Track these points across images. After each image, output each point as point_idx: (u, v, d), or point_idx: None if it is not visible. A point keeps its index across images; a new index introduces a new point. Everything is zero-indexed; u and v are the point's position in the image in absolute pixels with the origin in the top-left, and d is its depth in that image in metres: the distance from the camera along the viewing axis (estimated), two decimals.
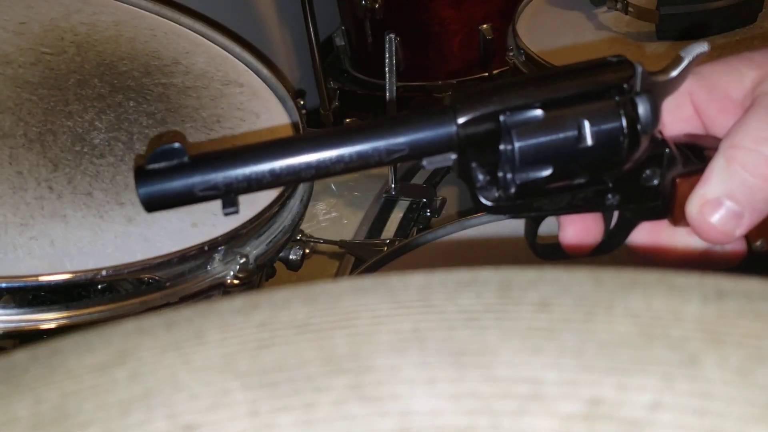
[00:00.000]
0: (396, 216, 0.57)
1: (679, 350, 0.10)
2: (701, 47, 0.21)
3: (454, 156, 0.20)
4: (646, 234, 0.23)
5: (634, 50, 0.54)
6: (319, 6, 0.73)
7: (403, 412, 0.09)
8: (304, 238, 0.43)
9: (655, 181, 0.22)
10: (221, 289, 0.34)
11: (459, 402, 0.09)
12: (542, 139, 0.20)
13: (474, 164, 0.21)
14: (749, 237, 0.22)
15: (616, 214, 0.23)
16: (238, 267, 0.34)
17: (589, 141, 0.20)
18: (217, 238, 0.33)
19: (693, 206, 0.21)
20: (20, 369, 0.11)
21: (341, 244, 0.52)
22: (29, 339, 0.30)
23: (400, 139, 0.20)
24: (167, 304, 0.31)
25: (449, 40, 0.77)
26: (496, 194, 0.21)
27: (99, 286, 0.31)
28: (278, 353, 0.10)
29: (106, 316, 0.30)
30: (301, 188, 0.39)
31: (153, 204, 0.20)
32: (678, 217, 0.22)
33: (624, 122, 0.20)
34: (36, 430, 0.10)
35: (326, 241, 0.51)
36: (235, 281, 0.34)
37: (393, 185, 0.58)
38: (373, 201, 0.59)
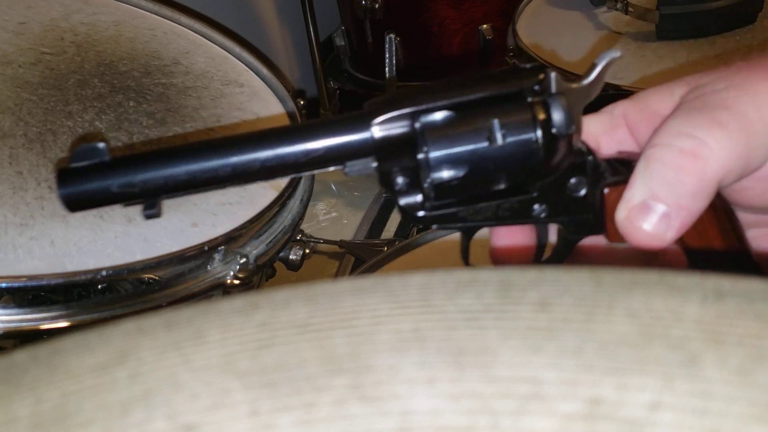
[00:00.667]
0: (396, 216, 0.57)
1: (679, 350, 0.10)
2: (614, 53, 0.21)
3: (374, 163, 0.20)
4: (583, 257, 0.23)
5: (634, 50, 0.54)
6: (319, 6, 0.73)
7: (403, 411, 0.09)
8: (304, 238, 0.43)
9: (582, 191, 0.22)
10: (221, 289, 0.34)
11: (459, 402, 0.09)
12: (454, 139, 0.20)
13: (394, 169, 0.21)
14: (687, 241, 0.22)
15: (553, 234, 0.23)
16: (238, 267, 0.34)
17: (499, 140, 0.20)
18: (217, 238, 0.33)
19: (620, 212, 0.21)
20: (20, 369, 0.11)
21: (341, 244, 0.52)
22: (29, 339, 0.30)
23: (317, 142, 0.20)
24: (167, 304, 0.32)
25: (449, 40, 0.77)
26: (419, 199, 0.21)
27: (99, 286, 0.31)
28: (278, 353, 0.10)
29: (106, 316, 0.30)
30: (301, 188, 0.40)
31: (73, 203, 0.20)
32: (612, 232, 0.22)
33: (535, 122, 0.20)
34: (36, 430, 0.10)
35: (326, 241, 0.51)
36: (235, 281, 0.34)
37: None
38: (373, 201, 0.59)
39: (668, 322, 0.10)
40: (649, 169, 0.20)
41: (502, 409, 0.09)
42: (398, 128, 0.20)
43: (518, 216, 0.21)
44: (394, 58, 0.50)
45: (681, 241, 0.21)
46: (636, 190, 0.20)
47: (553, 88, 0.20)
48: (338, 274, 0.51)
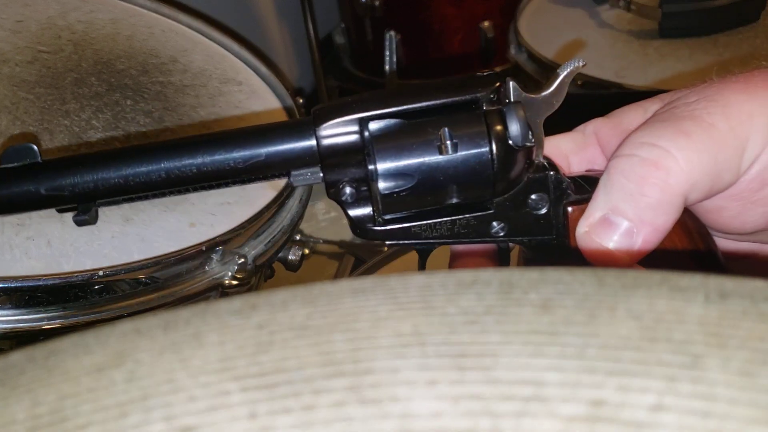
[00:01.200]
0: None
1: (681, 352, 0.10)
2: (576, 62, 0.20)
3: (321, 173, 0.20)
4: None
5: (637, 48, 0.54)
6: (319, 4, 0.73)
7: (403, 414, 0.09)
8: (303, 238, 0.43)
9: (544, 209, 0.21)
10: (219, 289, 0.34)
11: (459, 404, 0.09)
12: (401, 147, 0.19)
13: (342, 180, 0.20)
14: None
15: (515, 257, 0.22)
16: (236, 267, 0.34)
17: (450, 150, 0.19)
18: (215, 239, 0.33)
19: (580, 228, 0.20)
20: (17, 370, 0.11)
21: (341, 244, 0.52)
22: (26, 340, 0.30)
23: (258, 149, 0.19)
24: (165, 305, 0.31)
25: (450, 37, 0.77)
26: (369, 212, 0.20)
27: (96, 287, 0.30)
28: (277, 355, 0.10)
29: (104, 317, 0.30)
30: (301, 188, 0.39)
31: (1, 205, 0.19)
32: (578, 254, 0.21)
33: (489, 133, 0.19)
34: None
35: (326, 241, 0.51)
36: (234, 282, 0.34)
37: None
38: None
39: (671, 323, 0.10)
40: (611, 181, 0.19)
41: (504, 411, 0.09)
42: (345, 136, 0.19)
43: (475, 234, 0.21)
44: (394, 55, 0.50)
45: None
46: (597, 204, 0.19)
47: (511, 97, 0.20)
48: (338, 274, 0.51)
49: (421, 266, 0.22)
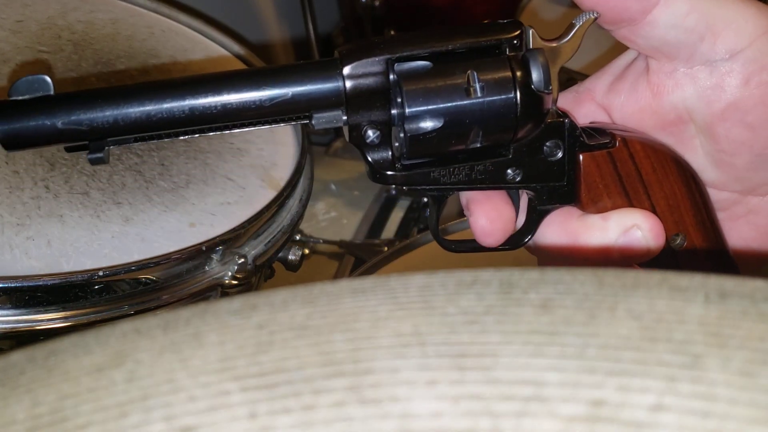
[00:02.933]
0: (396, 216, 0.57)
1: (681, 352, 0.10)
2: (592, 13, 0.20)
3: (344, 116, 0.19)
4: (557, 230, 0.22)
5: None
6: (319, 3, 0.73)
7: (403, 414, 0.09)
8: (303, 238, 0.43)
9: (558, 155, 0.21)
10: (219, 289, 0.34)
11: (459, 404, 0.09)
12: (430, 89, 0.19)
13: (364, 122, 0.19)
14: (666, 232, 0.21)
15: (524, 205, 0.22)
16: (236, 267, 0.34)
17: (479, 92, 0.19)
18: (215, 238, 0.33)
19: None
20: (17, 370, 0.11)
21: (341, 244, 0.52)
22: (26, 340, 0.30)
23: (282, 88, 0.19)
24: (164, 305, 0.31)
25: None
26: (389, 155, 0.20)
27: (96, 287, 0.30)
28: (277, 355, 0.10)
29: (103, 317, 0.30)
30: (300, 188, 0.39)
31: (11, 140, 0.18)
32: (586, 201, 0.22)
33: (514, 77, 0.19)
34: None
35: (326, 241, 0.51)
36: (234, 282, 0.34)
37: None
38: (373, 201, 0.59)
39: (671, 323, 0.10)
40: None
41: (504, 411, 0.09)
42: (371, 77, 0.19)
43: (492, 180, 0.21)
44: None
45: (654, 210, 0.21)
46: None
47: (530, 44, 0.20)
48: (338, 274, 0.51)
49: (436, 215, 0.22)
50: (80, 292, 0.30)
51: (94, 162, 0.18)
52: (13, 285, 0.29)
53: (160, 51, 0.44)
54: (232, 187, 0.37)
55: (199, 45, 0.46)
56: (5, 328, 0.29)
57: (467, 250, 0.23)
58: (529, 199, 0.22)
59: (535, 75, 0.19)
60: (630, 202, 0.22)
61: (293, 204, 0.39)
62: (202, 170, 0.37)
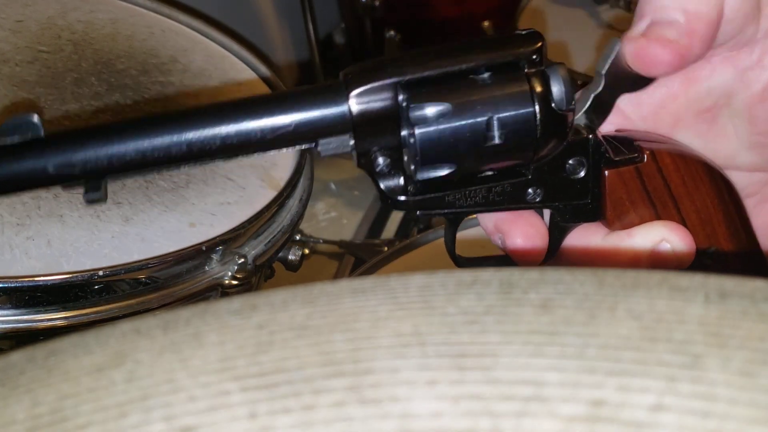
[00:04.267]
0: (396, 216, 0.57)
1: (681, 352, 0.10)
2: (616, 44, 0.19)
3: (351, 141, 0.18)
4: (580, 251, 0.21)
5: None
6: (319, 3, 0.72)
7: (403, 414, 0.09)
8: (303, 238, 0.43)
9: (581, 173, 0.20)
10: (219, 289, 0.34)
11: (459, 404, 0.09)
12: (445, 140, 0.18)
13: (374, 149, 0.18)
14: (697, 246, 0.20)
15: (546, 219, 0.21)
16: (236, 267, 0.34)
17: (497, 139, 0.18)
18: (215, 238, 0.33)
19: (631, 34, 0.18)
20: (17, 370, 0.11)
21: (341, 244, 0.51)
22: (26, 340, 0.30)
23: (286, 116, 0.17)
24: (164, 305, 0.31)
25: (450, 37, 0.77)
26: (401, 183, 0.19)
27: (96, 287, 0.30)
28: (277, 355, 0.10)
29: (103, 317, 0.30)
30: (300, 188, 0.39)
31: (2, 185, 0.17)
32: (611, 218, 0.20)
33: (533, 96, 0.18)
34: None
35: (326, 241, 0.51)
36: (234, 282, 0.34)
37: None
38: (373, 201, 0.59)
39: (671, 323, 0.10)
40: None
41: (504, 411, 0.09)
42: (380, 101, 0.18)
43: (511, 200, 0.19)
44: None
45: (684, 225, 0.20)
46: (641, 16, 0.18)
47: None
48: (338, 274, 0.51)
49: (452, 235, 0.21)
50: (80, 292, 0.30)
51: (89, 202, 0.18)
52: (13, 285, 0.29)
53: (160, 51, 0.44)
54: (232, 187, 0.37)
55: (199, 45, 0.46)
56: (5, 328, 0.29)
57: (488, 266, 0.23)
58: (551, 215, 0.21)
59: (557, 91, 0.18)
60: (658, 218, 0.20)
61: (293, 204, 0.39)
62: (201, 170, 0.37)
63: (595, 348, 0.10)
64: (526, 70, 0.18)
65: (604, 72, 0.20)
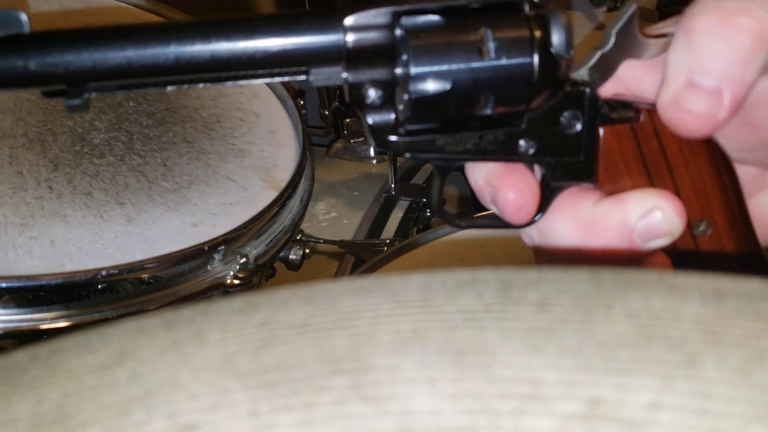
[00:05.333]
0: (396, 216, 0.57)
1: (678, 350, 0.10)
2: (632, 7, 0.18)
3: (345, 74, 0.17)
4: (568, 218, 0.19)
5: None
6: (319, 3, 0.72)
7: (403, 411, 0.09)
8: (304, 238, 0.43)
9: (577, 127, 0.19)
10: (221, 289, 0.34)
11: (459, 402, 0.09)
12: (439, 47, 0.17)
13: (366, 81, 0.17)
14: (689, 217, 0.19)
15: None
16: (238, 267, 0.34)
17: (492, 53, 0.17)
18: (217, 238, 0.33)
19: (664, 97, 0.18)
20: (20, 369, 0.11)
21: (341, 244, 0.52)
22: (29, 339, 0.30)
23: (278, 38, 0.17)
24: (167, 304, 0.32)
25: None
26: (392, 119, 0.18)
27: (99, 286, 0.31)
28: (278, 353, 0.10)
29: (106, 316, 0.30)
30: (301, 188, 0.40)
31: None
32: (603, 180, 0.19)
33: (533, 38, 0.17)
34: (36, 430, 0.10)
35: (326, 241, 0.51)
36: (235, 281, 0.34)
37: (393, 185, 0.58)
38: (373, 201, 0.59)
39: (667, 322, 0.10)
40: (691, 42, 0.17)
41: (502, 409, 0.09)
42: (375, 32, 0.17)
43: (502, 151, 0.18)
44: None
45: (677, 194, 0.19)
46: (678, 68, 0.17)
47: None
48: (338, 274, 0.51)
49: (440, 186, 0.20)
50: (83, 291, 0.30)
51: (70, 109, 0.16)
52: (16, 285, 0.29)
53: None
54: (233, 188, 0.37)
55: None
56: (9, 327, 0.29)
57: (477, 226, 0.21)
58: (542, 175, 0.20)
59: (556, 37, 0.17)
60: (652, 184, 0.19)
61: (294, 204, 0.39)
62: (204, 171, 0.37)
63: (593, 346, 0.10)
64: (527, 12, 0.18)
65: (614, 31, 0.19)
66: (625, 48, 0.19)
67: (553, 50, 0.18)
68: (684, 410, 0.09)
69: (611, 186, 0.20)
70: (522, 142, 0.19)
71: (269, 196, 0.36)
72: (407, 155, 0.19)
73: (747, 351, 0.10)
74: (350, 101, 0.18)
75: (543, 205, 0.20)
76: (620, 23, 0.19)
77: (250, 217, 0.35)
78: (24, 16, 0.16)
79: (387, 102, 0.18)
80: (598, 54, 0.19)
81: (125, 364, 0.11)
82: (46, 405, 0.10)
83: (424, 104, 0.18)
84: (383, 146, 0.18)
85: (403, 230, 0.56)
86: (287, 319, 0.11)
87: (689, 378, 0.09)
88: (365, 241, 0.55)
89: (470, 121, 0.18)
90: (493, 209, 0.20)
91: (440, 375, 0.10)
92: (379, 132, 0.18)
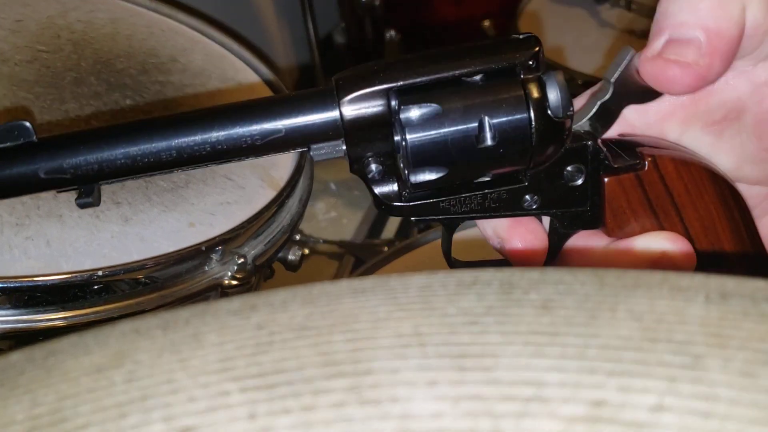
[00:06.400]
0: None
1: (682, 352, 0.10)
2: (628, 54, 0.19)
3: (344, 147, 0.18)
4: (576, 258, 0.20)
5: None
6: (319, 3, 0.72)
7: (403, 414, 0.09)
8: (303, 238, 0.43)
9: (579, 180, 0.19)
10: (219, 289, 0.34)
11: (460, 404, 0.09)
12: (437, 125, 0.17)
13: (367, 154, 0.18)
14: (699, 253, 0.20)
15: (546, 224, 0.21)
16: (235, 267, 0.34)
17: (489, 141, 0.17)
18: (214, 238, 0.33)
19: (646, 54, 0.18)
20: (16, 371, 0.11)
21: (341, 244, 0.51)
22: (25, 340, 0.29)
23: (277, 122, 0.17)
24: (164, 305, 0.31)
25: (450, 37, 0.77)
26: (395, 188, 0.19)
27: (95, 287, 0.30)
28: (276, 355, 0.10)
29: (103, 317, 0.30)
30: (300, 187, 0.39)
31: None
32: (611, 226, 0.20)
33: (528, 103, 0.17)
34: None
35: (326, 241, 0.51)
36: (233, 282, 0.34)
37: None
38: None
39: (671, 324, 0.10)
40: (669, 3, 0.17)
41: (504, 411, 0.09)
42: (371, 108, 0.17)
43: (507, 207, 0.19)
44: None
45: (687, 233, 0.19)
46: (658, 28, 0.18)
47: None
48: (338, 274, 0.51)
49: (448, 241, 0.21)
50: (79, 292, 0.30)
51: (82, 206, 0.18)
52: (12, 285, 0.29)
53: (160, 50, 0.44)
54: (231, 187, 0.37)
55: (198, 44, 0.46)
56: (4, 328, 0.29)
57: None
58: (551, 221, 0.20)
59: (553, 98, 0.18)
60: (660, 225, 0.20)
61: (293, 204, 0.38)
62: (201, 170, 0.37)
63: (596, 348, 0.10)
64: (522, 76, 0.18)
65: (613, 80, 0.19)
66: (625, 94, 0.19)
67: (550, 112, 0.18)
68: (688, 412, 0.09)
69: (620, 231, 0.20)
70: (527, 197, 0.19)
71: (268, 195, 0.36)
72: (413, 219, 0.19)
73: (751, 353, 0.09)
74: (352, 172, 0.19)
75: (552, 252, 0.20)
76: (618, 71, 0.19)
77: (249, 217, 0.34)
78: (29, 125, 0.17)
79: (389, 172, 0.18)
80: (598, 104, 0.19)
81: (122, 366, 0.10)
82: (42, 408, 0.10)
83: (423, 186, 0.18)
84: (388, 212, 0.19)
85: (403, 230, 0.56)
86: (286, 321, 0.11)
87: (693, 380, 0.09)
88: (365, 242, 0.55)
89: (472, 185, 0.19)
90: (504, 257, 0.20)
91: (441, 377, 0.10)
92: (384, 200, 0.19)
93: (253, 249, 0.35)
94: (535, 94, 0.18)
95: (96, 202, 0.18)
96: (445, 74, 0.18)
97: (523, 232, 0.20)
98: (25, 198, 0.33)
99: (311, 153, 0.18)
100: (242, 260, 0.34)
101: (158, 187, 0.35)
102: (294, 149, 0.18)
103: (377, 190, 0.19)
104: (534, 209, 0.20)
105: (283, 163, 0.39)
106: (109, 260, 0.31)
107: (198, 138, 0.18)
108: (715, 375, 0.09)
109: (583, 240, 0.20)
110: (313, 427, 0.09)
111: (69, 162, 0.17)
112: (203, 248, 0.32)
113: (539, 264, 0.21)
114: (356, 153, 0.18)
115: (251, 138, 0.18)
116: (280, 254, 0.37)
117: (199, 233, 0.33)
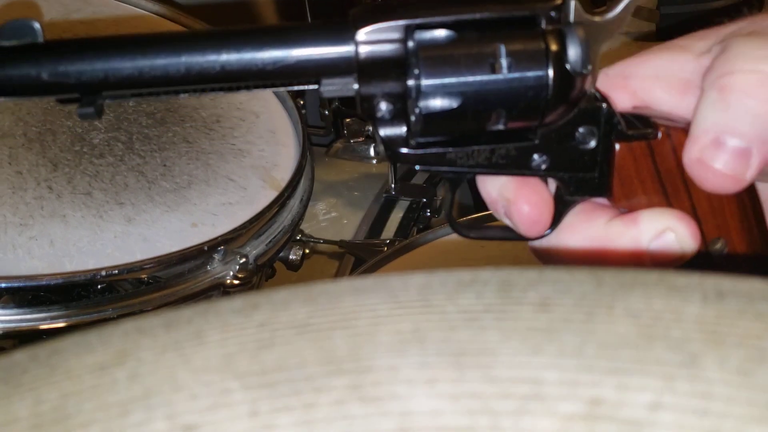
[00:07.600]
0: (396, 216, 0.57)
1: (679, 350, 0.10)
2: None
3: (356, 85, 0.17)
4: (580, 233, 0.19)
5: (635, 50, 0.54)
6: (319, 4, 0.73)
7: (403, 412, 0.09)
8: (303, 238, 0.43)
9: (591, 144, 0.18)
10: (221, 289, 0.34)
11: (459, 402, 0.09)
12: (450, 62, 0.17)
13: (377, 94, 0.17)
14: (705, 235, 0.19)
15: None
16: (237, 267, 0.34)
17: (504, 69, 0.17)
18: (216, 238, 0.33)
19: (690, 153, 0.17)
20: (20, 369, 0.11)
21: (341, 244, 0.52)
22: (29, 339, 0.30)
23: (290, 50, 0.17)
24: (167, 304, 0.32)
25: None
26: (404, 133, 0.18)
27: (98, 286, 0.31)
28: (278, 353, 0.10)
29: (106, 316, 0.30)
30: (301, 188, 0.39)
31: None
32: (618, 196, 0.19)
33: (548, 54, 0.17)
34: (36, 431, 0.10)
35: (326, 241, 0.51)
36: (235, 281, 0.34)
37: (393, 185, 0.58)
38: (373, 201, 0.59)
39: (668, 322, 0.10)
40: (727, 100, 0.17)
41: (503, 409, 0.09)
42: (387, 44, 0.17)
43: (514, 165, 0.18)
44: None
45: (694, 212, 0.18)
46: (708, 126, 0.17)
47: (572, 18, 0.17)
48: (338, 274, 0.51)
49: (451, 198, 0.20)
50: (83, 291, 0.30)
51: (81, 116, 0.17)
52: (16, 285, 0.29)
53: None
54: (233, 188, 0.37)
55: None
56: (8, 328, 0.29)
57: (487, 237, 0.21)
58: (556, 187, 0.19)
59: (573, 53, 0.17)
60: (668, 201, 0.19)
61: (294, 204, 0.39)
62: (203, 171, 0.37)
63: (594, 346, 0.10)
64: (543, 27, 0.17)
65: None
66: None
67: (568, 66, 0.17)
68: (685, 410, 0.09)
69: (626, 202, 0.19)
70: (535, 157, 0.19)
71: (269, 195, 0.36)
72: (418, 168, 0.19)
73: (748, 351, 0.10)
74: (362, 113, 0.18)
75: (556, 219, 0.20)
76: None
77: (250, 217, 0.34)
78: (37, 25, 0.17)
79: (398, 115, 0.18)
80: None
81: (125, 364, 0.11)
82: (45, 405, 0.10)
83: (435, 118, 0.17)
84: (394, 158, 0.18)
85: (403, 230, 0.56)
86: (287, 320, 0.11)
87: (690, 378, 0.09)
88: (365, 241, 0.55)
89: (482, 136, 0.18)
90: (506, 222, 0.20)
91: (440, 375, 0.10)
92: (390, 144, 0.18)
93: (254, 249, 0.35)
94: (555, 46, 0.17)
95: (97, 115, 0.17)
96: (464, 16, 0.17)
97: (529, 193, 0.19)
98: (29, 198, 0.33)
99: (322, 88, 0.17)
100: (244, 260, 0.34)
101: (161, 187, 0.35)
102: (305, 82, 0.17)
103: (384, 132, 0.18)
104: (542, 170, 0.18)
105: (284, 164, 0.39)
106: (112, 260, 0.31)
107: (208, 57, 0.17)
108: (711, 373, 0.09)
109: (586, 216, 0.19)
110: (315, 425, 0.09)
111: (74, 67, 0.16)
112: (206, 248, 0.32)
113: (543, 230, 0.19)
114: (367, 91, 0.17)
115: (262, 63, 0.17)
116: (281, 254, 0.38)
117: (201, 233, 0.33)
